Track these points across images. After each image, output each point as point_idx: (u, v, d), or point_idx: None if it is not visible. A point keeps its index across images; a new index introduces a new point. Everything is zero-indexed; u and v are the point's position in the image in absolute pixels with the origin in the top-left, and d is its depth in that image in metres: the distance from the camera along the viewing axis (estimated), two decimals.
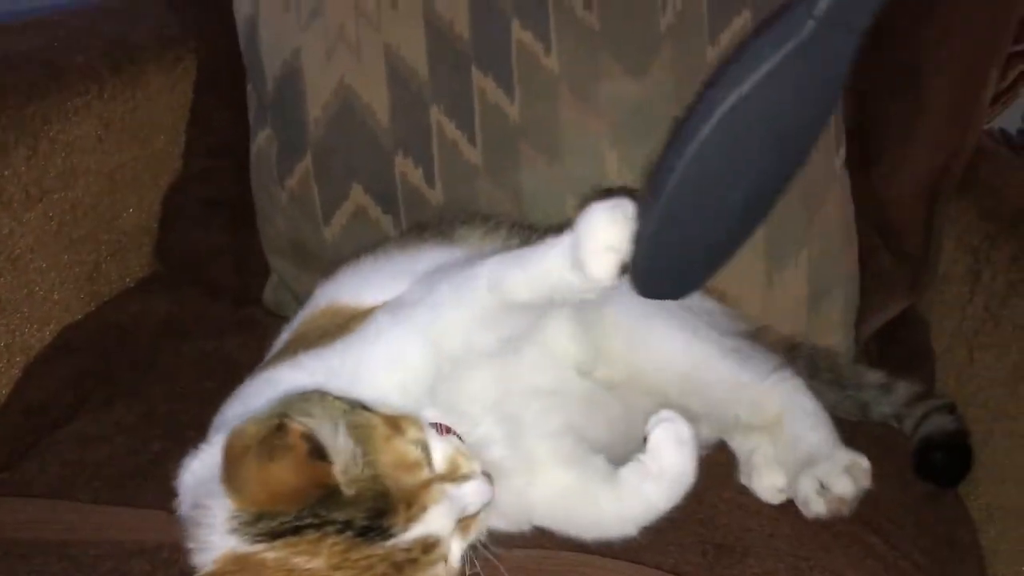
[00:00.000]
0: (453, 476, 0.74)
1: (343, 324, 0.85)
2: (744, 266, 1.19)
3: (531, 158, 1.19)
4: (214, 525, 0.69)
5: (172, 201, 1.37)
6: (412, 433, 0.74)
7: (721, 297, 1.12)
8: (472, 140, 1.20)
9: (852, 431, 0.95)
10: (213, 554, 0.69)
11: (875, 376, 1.14)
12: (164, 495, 0.86)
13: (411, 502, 0.71)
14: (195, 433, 0.96)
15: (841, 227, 1.22)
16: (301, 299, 1.19)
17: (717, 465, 0.96)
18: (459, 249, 0.97)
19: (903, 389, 1.11)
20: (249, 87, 1.28)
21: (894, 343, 1.26)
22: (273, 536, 0.67)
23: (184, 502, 0.75)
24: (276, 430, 0.66)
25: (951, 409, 1.08)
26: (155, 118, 1.32)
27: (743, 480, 0.95)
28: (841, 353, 1.20)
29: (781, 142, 0.74)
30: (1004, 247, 1.15)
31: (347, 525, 0.68)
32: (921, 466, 1.05)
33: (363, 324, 0.84)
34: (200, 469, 0.75)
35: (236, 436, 0.68)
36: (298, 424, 0.67)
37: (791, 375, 0.98)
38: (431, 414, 0.80)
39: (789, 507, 0.93)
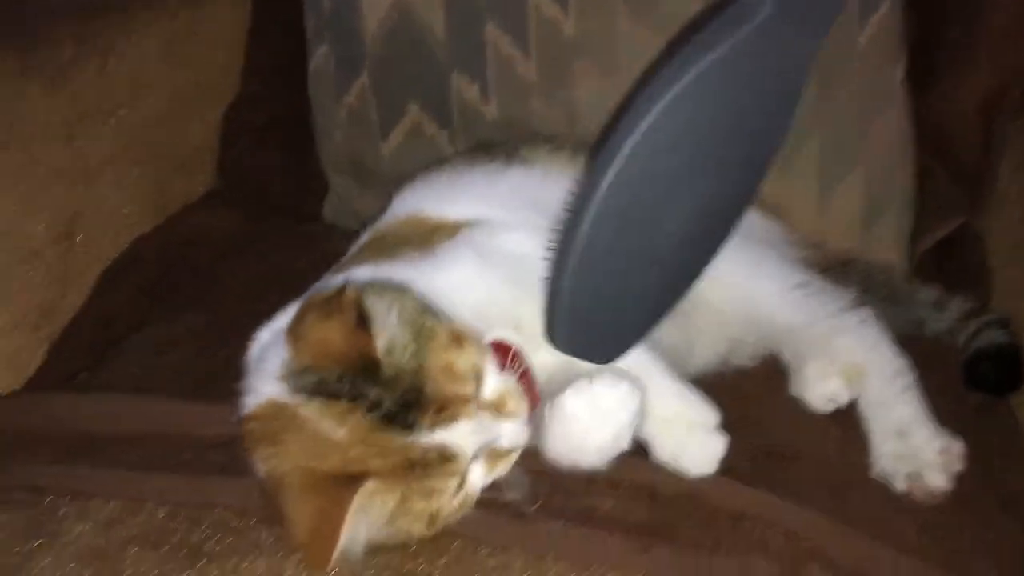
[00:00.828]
0: (497, 409, 0.76)
1: (426, 235, 0.86)
2: (797, 182, 1.19)
3: (586, 73, 1.19)
4: (267, 372, 0.75)
5: (232, 119, 1.39)
6: (471, 354, 0.75)
7: (773, 212, 1.12)
8: (527, 55, 1.20)
9: (906, 346, 0.96)
10: (258, 398, 0.75)
11: (930, 292, 1.13)
12: (235, 396, 0.92)
13: (443, 408, 0.72)
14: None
15: (898, 143, 1.20)
16: (360, 215, 1.22)
17: (766, 375, 0.98)
18: (532, 170, 0.98)
19: (957, 305, 1.11)
20: (306, 4, 1.29)
21: (949, 260, 1.26)
22: (312, 392, 0.72)
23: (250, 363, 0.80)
24: (338, 294, 0.72)
25: (1004, 324, 1.08)
26: (215, 36, 1.34)
27: (793, 391, 0.96)
28: (896, 269, 1.20)
29: (723, 160, 0.64)
30: None
31: (376, 405, 0.71)
32: (971, 376, 1.05)
33: (452, 241, 0.86)
34: (268, 335, 0.81)
35: (313, 294, 0.75)
36: (355, 293, 0.72)
37: (870, 318, 0.96)
38: (503, 332, 0.82)
39: (838, 414, 0.94)
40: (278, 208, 1.35)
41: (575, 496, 0.78)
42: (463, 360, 0.75)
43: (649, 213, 0.63)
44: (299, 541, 0.70)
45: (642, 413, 0.77)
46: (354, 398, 0.71)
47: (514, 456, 0.78)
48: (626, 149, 0.59)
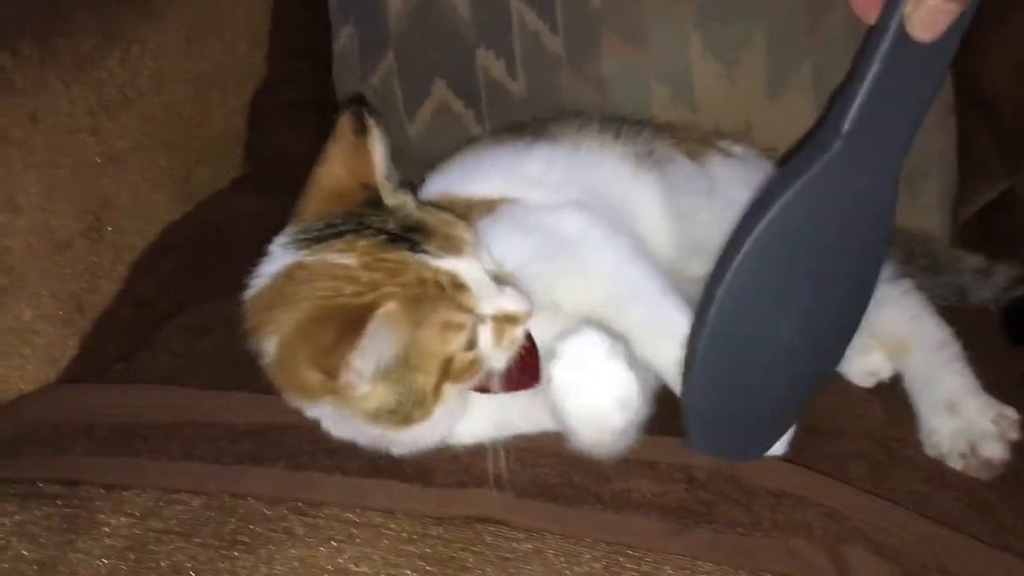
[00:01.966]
0: (497, 277, 0.77)
1: (464, 213, 0.85)
2: None
3: (613, 45, 1.17)
4: (273, 254, 0.77)
5: (259, 104, 1.39)
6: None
7: None
8: (554, 29, 1.18)
9: (950, 315, 0.94)
10: (261, 279, 0.77)
11: (974, 260, 1.11)
12: (267, 381, 0.91)
13: (447, 241, 0.75)
14: None
15: (937, 106, 1.17)
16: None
17: None
18: (561, 145, 0.97)
19: (1003, 272, 1.08)
20: None
21: (993, 226, 1.22)
22: (316, 240, 0.74)
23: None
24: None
25: None
26: (238, 21, 1.33)
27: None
28: (937, 237, 1.17)
29: (826, 276, 0.70)
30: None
31: (381, 229, 0.73)
32: (1011, 326, 1.03)
33: (492, 216, 0.85)
34: None
35: None
36: (347, 113, 0.77)
37: (911, 289, 0.94)
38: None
39: (880, 390, 0.93)
40: None
41: (610, 479, 0.77)
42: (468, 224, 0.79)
43: (760, 329, 0.70)
44: (317, 363, 0.69)
45: (638, 361, 0.74)
46: (359, 229, 0.73)
47: (520, 332, 0.76)
48: (728, 276, 0.68)
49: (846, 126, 0.63)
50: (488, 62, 1.21)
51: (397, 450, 0.77)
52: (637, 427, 0.76)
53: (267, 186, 1.34)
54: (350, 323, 0.67)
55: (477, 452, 0.79)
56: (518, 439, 0.79)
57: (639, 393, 0.73)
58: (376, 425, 0.74)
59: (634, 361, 0.74)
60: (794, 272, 0.69)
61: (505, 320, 0.76)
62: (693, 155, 1.01)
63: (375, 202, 0.76)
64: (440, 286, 0.73)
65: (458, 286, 0.74)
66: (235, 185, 1.34)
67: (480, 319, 0.75)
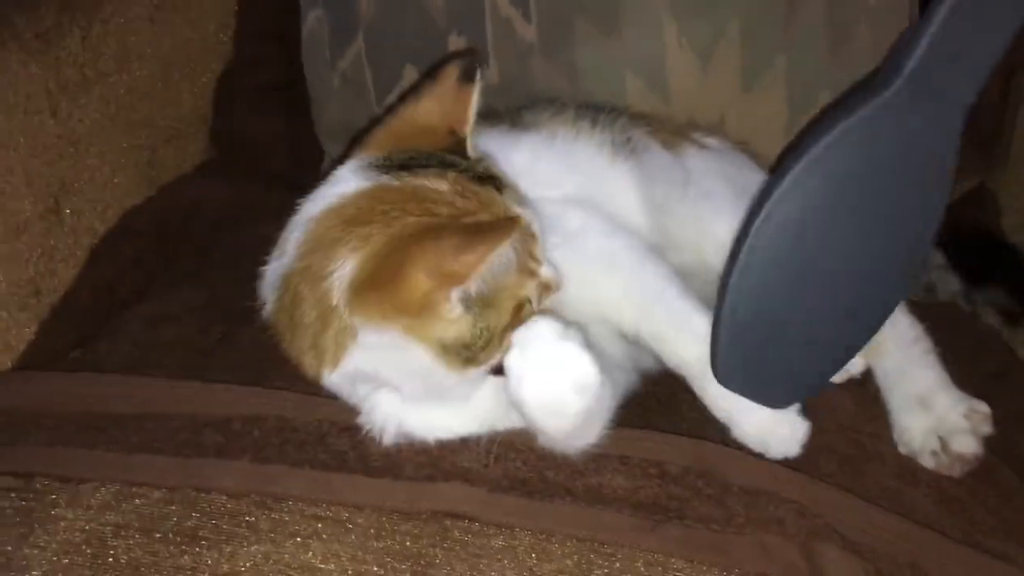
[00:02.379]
0: None
1: None
2: None
3: (587, 33, 1.15)
4: (341, 177, 0.77)
5: (225, 86, 1.36)
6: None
7: None
8: (527, 16, 1.16)
9: (918, 311, 0.93)
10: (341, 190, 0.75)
11: (941, 256, 1.11)
12: (232, 373, 0.89)
13: (518, 195, 0.79)
14: (257, 316, 0.98)
15: None
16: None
17: None
18: (539, 134, 0.96)
19: (962, 275, 1.08)
20: None
21: (964, 221, 1.22)
22: (402, 168, 0.74)
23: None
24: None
25: None
26: (204, 1, 1.30)
27: None
28: None
29: (873, 227, 0.67)
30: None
31: (467, 169, 0.76)
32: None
33: None
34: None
35: None
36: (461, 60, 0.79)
37: None
38: None
39: (851, 385, 0.92)
40: (274, 177, 1.32)
41: (583, 474, 0.76)
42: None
43: (806, 257, 0.68)
44: (437, 269, 0.67)
45: (595, 349, 0.73)
46: (445, 164, 0.75)
47: (547, 298, 0.77)
48: (782, 188, 0.65)
49: (910, 66, 0.61)
50: (460, 48, 1.19)
51: (431, 401, 0.76)
52: (601, 415, 0.75)
53: (233, 170, 1.32)
54: (482, 234, 0.67)
55: (447, 446, 0.78)
56: (491, 433, 0.78)
57: (597, 376, 0.71)
58: (439, 361, 0.71)
59: (595, 351, 0.72)
60: (837, 216, 0.66)
61: (544, 287, 0.76)
62: (668, 145, 1.00)
63: (457, 149, 0.78)
64: (524, 229, 0.74)
65: (532, 236, 0.75)
66: (200, 169, 1.31)
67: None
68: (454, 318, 0.70)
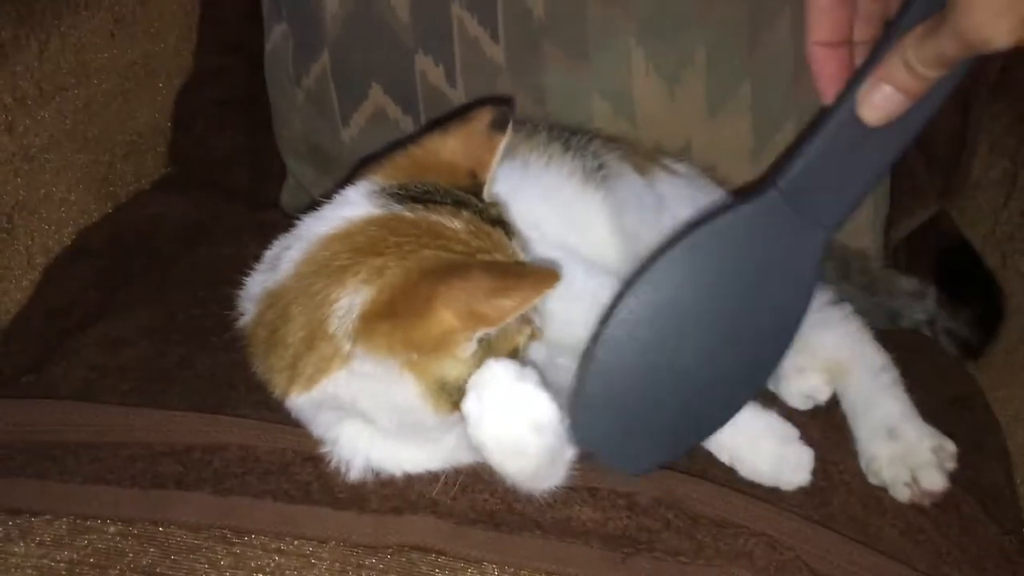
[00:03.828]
0: None
1: None
2: (770, 164, 1.17)
3: (555, 56, 1.15)
4: (349, 200, 0.76)
5: (185, 101, 1.33)
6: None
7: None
8: (495, 37, 1.15)
9: (882, 338, 0.94)
10: (341, 221, 0.74)
11: (908, 283, 1.12)
12: (191, 398, 0.87)
13: (524, 242, 0.80)
14: (217, 338, 0.96)
15: None
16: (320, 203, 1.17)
17: None
18: (512, 163, 0.94)
19: (935, 295, 1.09)
20: None
21: (924, 249, 1.24)
22: (415, 200, 0.74)
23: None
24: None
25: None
26: (166, 13, 1.27)
27: (771, 388, 0.94)
28: (871, 257, 1.18)
29: (728, 326, 0.72)
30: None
31: (481, 212, 0.76)
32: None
33: None
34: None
35: None
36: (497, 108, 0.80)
37: (851, 313, 0.95)
38: None
39: (817, 413, 0.92)
40: (234, 194, 1.30)
41: (552, 506, 0.75)
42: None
43: (663, 343, 0.73)
44: (470, 307, 0.66)
45: (556, 390, 0.72)
46: (459, 204, 0.75)
47: (528, 339, 0.76)
48: (637, 282, 0.72)
49: (782, 181, 0.68)
50: (427, 67, 1.18)
51: (402, 437, 0.75)
52: (565, 455, 0.74)
53: (192, 186, 1.30)
54: (522, 280, 0.67)
55: (414, 477, 0.77)
56: (458, 465, 0.77)
57: (556, 414, 0.70)
58: (427, 400, 0.70)
59: (557, 391, 0.72)
60: (692, 312, 0.72)
61: (532, 335, 0.75)
62: (641, 170, 1.00)
63: (474, 191, 0.79)
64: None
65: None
66: (158, 185, 1.28)
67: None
68: (465, 359, 0.69)
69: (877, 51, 0.64)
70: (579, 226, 0.91)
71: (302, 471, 0.77)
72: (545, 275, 0.67)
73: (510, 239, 0.77)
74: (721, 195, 1.05)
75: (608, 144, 1.02)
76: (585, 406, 0.74)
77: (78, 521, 0.72)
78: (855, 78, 0.65)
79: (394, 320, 0.67)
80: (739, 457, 0.82)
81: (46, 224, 1.06)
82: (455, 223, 0.74)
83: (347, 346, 0.69)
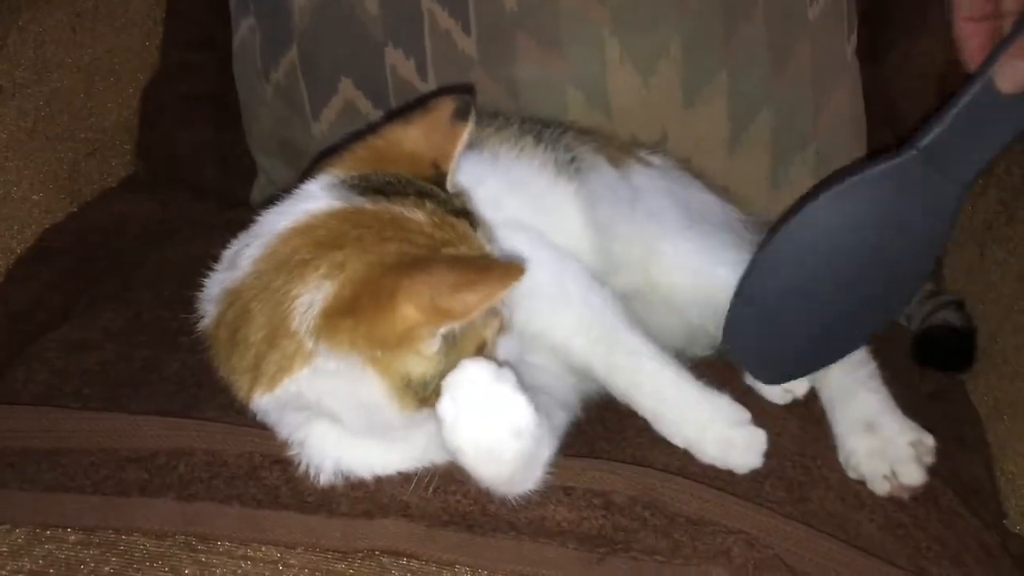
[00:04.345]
0: None
1: None
2: (749, 159, 1.17)
3: (528, 47, 1.13)
4: (310, 193, 0.74)
5: (152, 97, 1.31)
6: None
7: (726, 192, 1.09)
8: (466, 29, 1.14)
9: None
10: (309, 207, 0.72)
11: None
12: (157, 402, 0.85)
13: (488, 232, 0.78)
14: (185, 339, 0.94)
15: (851, 119, 1.18)
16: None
17: (722, 366, 0.94)
18: (482, 154, 0.93)
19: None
20: None
21: None
22: (377, 191, 0.72)
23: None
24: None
25: (959, 306, 1.06)
26: (131, 7, 1.25)
27: (749, 382, 0.93)
28: None
29: (868, 262, 0.80)
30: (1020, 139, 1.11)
31: (445, 202, 0.74)
32: (922, 352, 1.04)
33: None
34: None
35: None
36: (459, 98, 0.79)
37: None
38: None
39: (795, 407, 0.91)
40: (203, 192, 1.28)
41: (525, 507, 0.74)
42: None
43: (813, 272, 0.82)
44: (435, 301, 0.64)
45: (530, 391, 0.70)
46: (422, 195, 0.73)
47: (496, 333, 0.74)
48: (806, 210, 0.80)
49: (923, 142, 0.76)
50: (397, 61, 1.16)
51: (370, 437, 0.74)
52: (540, 458, 0.73)
53: (159, 184, 1.28)
54: (487, 273, 0.66)
55: (384, 479, 0.75)
56: (430, 466, 0.75)
57: (533, 417, 0.69)
58: (392, 397, 0.68)
59: (537, 393, 0.70)
60: (842, 245, 0.80)
61: (501, 327, 0.73)
62: (615, 162, 0.99)
63: (436, 182, 0.77)
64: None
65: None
66: (124, 183, 1.26)
67: None
68: (430, 355, 0.67)
69: (1018, 26, 0.72)
70: (551, 218, 0.89)
71: (270, 475, 0.75)
72: (510, 268, 0.66)
73: (475, 230, 0.75)
74: (698, 186, 1.04)
75: (582, 136, 1.01)
76: (738, 316, 0.84)
77: (37, 530, 0.70)
78: (995, 50, 0.73)
79: (356, 316, 0.66)
80: (693, 442, 0.82)
81: (7, 224, 1.04)
82: (418, 214, 0.72)
83: (309, 343, 0.67)
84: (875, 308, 0.85)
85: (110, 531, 0.70)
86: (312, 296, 0.67)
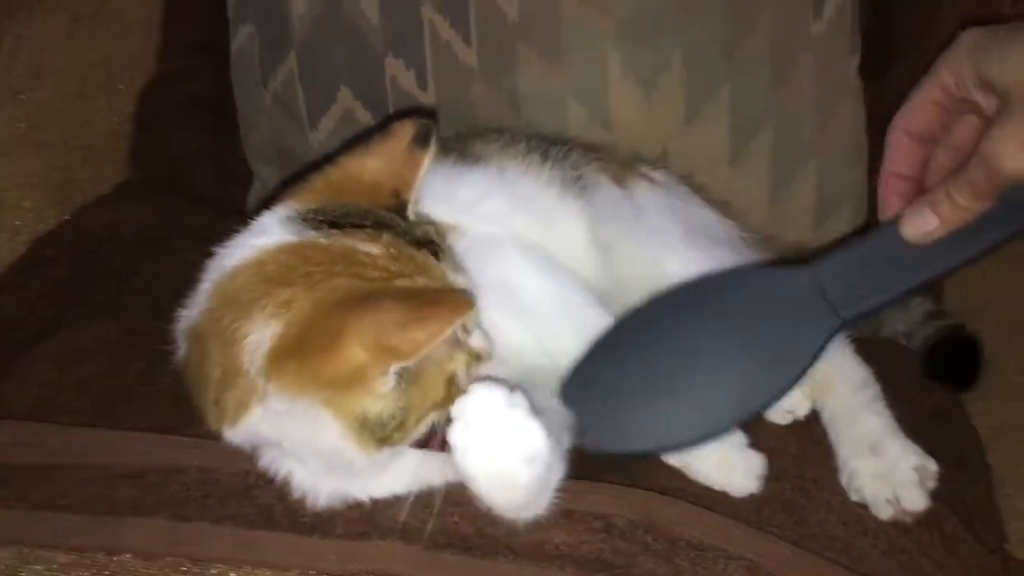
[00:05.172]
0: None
1: None
2: (751, 173, 1.16)
3: (529, 60, 1.13)
4: (264, 227, 0.72)
5: (148, 102, 1.30)
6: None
7: (726, 207, 1.08)
8: (467, 40, 1.13)
9: (861, 349, 0.92)
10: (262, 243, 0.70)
11: None
12: (151, 416, 0.84)
13: (454, 261, 0.75)
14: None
15: (853, 136, 1.18)
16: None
17: None
18: (488, 169, 0.93)
19: (918, 306, 1.07)
20: None
21: None
22: (333, 225, 0.70)
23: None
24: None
25: (962, 327, 1.06)
26: (128, 12, 1.24)
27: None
28: None
29: (715, 348, 0.77)
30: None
31: (406, 232, 0.72)
32: (930, 365, 1.03)
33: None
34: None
35: None
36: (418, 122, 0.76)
37: None
38: None
39: (795, 428, 0.90)
40: (199, 199, 1.27)
41: (524, 529, 0.72)
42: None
43: (651, 335, 0.79)
44: (381, 340, 0.62)
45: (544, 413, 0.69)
46: (381, 226, 0.71)
47: (478, 368, 0.72)
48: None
49: (817, 267, 0.74)
50: (397, 71, 1.15)
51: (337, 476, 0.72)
52: (551, 482, 0.72)
53: (154, 190, 1.27)
54: (433, 308, 0.64)
55: (381, 500, 0.74)
56: (427, 487, 0.74)
57: (547, 443, 0.68)
58: (350, 438, 0.66)
59: (545, 416, 0.69)
60: (691, 315, 0.79)
61: (476, 357, 0.72)
62: (619, 179, 0.98)
63: (397, 211, 0.75)
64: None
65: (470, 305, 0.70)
66: (119, 190, 1.25)
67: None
68: (384, 393, 0.65)
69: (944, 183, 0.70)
70: (556, 236, 0.89)
71: (264, 494, 0.74)
72: (459, 302, 0.65)
73: (440, 258, 0.73)
74: (699, 203, 1.03)
75: (588, 154, 1.00)
76: (573, 375, 0.79)
77: (25, 550, 0.68)
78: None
79: (302, 358, 0.64)
80: (687, 462, 0.82)
81: (1, 232, 1.02)
82: (372, 247, 0.70)
83: (261, 383, 0.65)
84: (713, 405, 0.78)
85: (99, 551, 0.68)
86: (260, 335, 0.65)
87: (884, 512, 0.82)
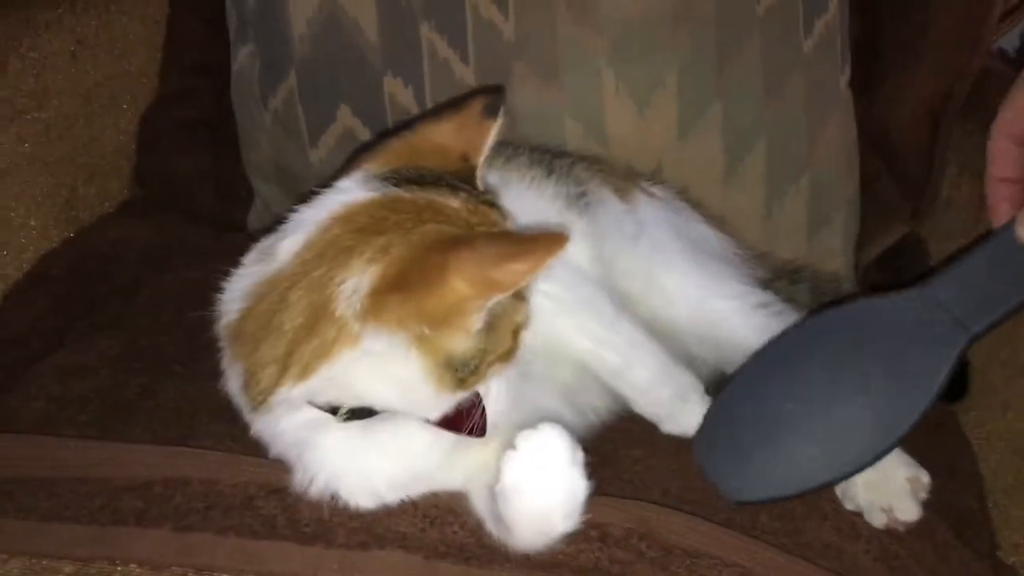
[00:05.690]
0: None
1: None
2: (744, 188, 1.17)
3: (525, 78, 1.14)
4: (344, 188, 0.75)
5: (150, 122, 1.31)
6: None
7: (720, 222, 1.09)
8: (464, 58, 1.15)
9: None
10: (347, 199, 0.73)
11: None
12: (153, 429, 0.85)
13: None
14: (181, 367, 0.94)
15: (844, 150, 1.19)
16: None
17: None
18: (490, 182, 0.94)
19: None
20: (228, 0, 1.22)
21: (894, 270, 1.24)
22: (410, 182, 0.73)
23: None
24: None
25: None
26: (131, 34, 1.25)
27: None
28: (843, 279, 1.18)
29: (848, 389, 0.76)
30: None
31: (477, 193, 0.76)
32: None
33: None
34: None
35: None
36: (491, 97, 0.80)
37: None
38: None
39: None
40: (200, 217, 1.28)
41: None
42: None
43: (783, 386, 0.79)
44: (484, 273, 0.65)
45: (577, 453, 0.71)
46: (454, 188, 0.74)
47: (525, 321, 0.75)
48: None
49: (936, 284, 0.74)
50: (396, 89, 1.16)
51: (410, 422, 0.73)
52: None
53: (157, 210, 1.28)
54: (532, 243, 0.66)
55: (382, 509, 0.75)
56: (427, 496, 0.75)
57: (587, 498, 0.71)
58: (431, 378, 0.68)
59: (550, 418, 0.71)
60: (824, 362, 0.78)
61: (526, 318, 0.74)
62: (621, 192, 1.00)
63: (466, 177, 0.78)
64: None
65: None
66: (122, 209, 1.26)
67: None
68: (472, 332, 0.67)
69: None
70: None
71: (267, 504, 0.75)
72: (555, 237, 0.66)
73: (505, 221, 0.76)
74: (697, 218, 1.05)
75: (590, 168, 1.02)
76: (707, 431, 0.82)
77: (33, 560, 0.69)
78: None
79: (406, 292, 0.66)
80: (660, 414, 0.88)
81: (4, 250, 1.03)
82: (453, 202, 0.73)
83: (355, 327, 0.66)
84: (853, 441, 0.78)
85: (105, 562, 0.70)
86: (358, 281, 0.67)
87: (878, 520, 0.83)
